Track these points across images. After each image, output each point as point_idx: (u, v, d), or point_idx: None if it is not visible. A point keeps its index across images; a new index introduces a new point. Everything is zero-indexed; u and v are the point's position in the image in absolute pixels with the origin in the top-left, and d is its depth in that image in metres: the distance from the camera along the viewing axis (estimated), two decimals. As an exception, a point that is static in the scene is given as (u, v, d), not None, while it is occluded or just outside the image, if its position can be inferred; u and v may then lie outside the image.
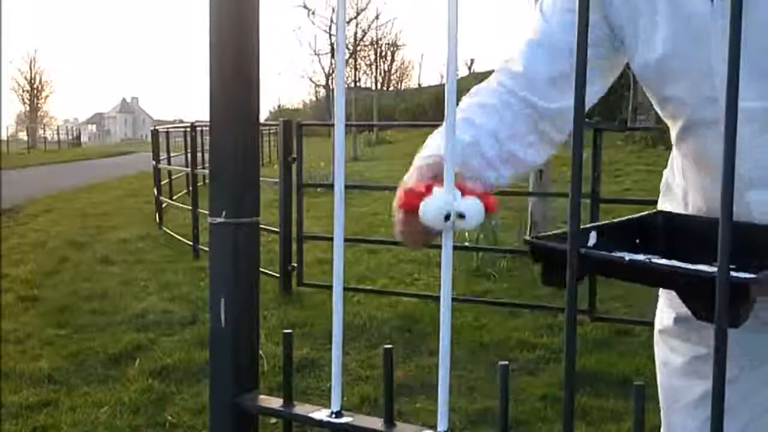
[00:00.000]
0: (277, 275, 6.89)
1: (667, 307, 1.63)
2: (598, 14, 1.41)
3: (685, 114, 1.42)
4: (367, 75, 40.31)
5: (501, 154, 1.39)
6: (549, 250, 1.27)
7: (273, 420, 2.43)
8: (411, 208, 0.90)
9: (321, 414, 0.86)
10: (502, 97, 1.43)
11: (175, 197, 12.48)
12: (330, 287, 0.93)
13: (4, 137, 51.62)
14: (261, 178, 1.07)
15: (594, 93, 1.48)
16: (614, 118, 20.07)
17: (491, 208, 0.94)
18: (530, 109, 1.42)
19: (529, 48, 1.46)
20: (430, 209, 0.85)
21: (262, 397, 0.95)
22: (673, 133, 1.51)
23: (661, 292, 1.63)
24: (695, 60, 1.33)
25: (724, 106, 0.57)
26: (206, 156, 4.58)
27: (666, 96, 1.44)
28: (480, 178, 1.36)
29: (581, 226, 1.37)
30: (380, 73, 41.78)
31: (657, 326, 1.69)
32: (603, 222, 1.43)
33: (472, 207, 0.84)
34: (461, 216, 0.83)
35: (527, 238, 1.32)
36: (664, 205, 1.60)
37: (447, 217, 0.82)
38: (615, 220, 1.44)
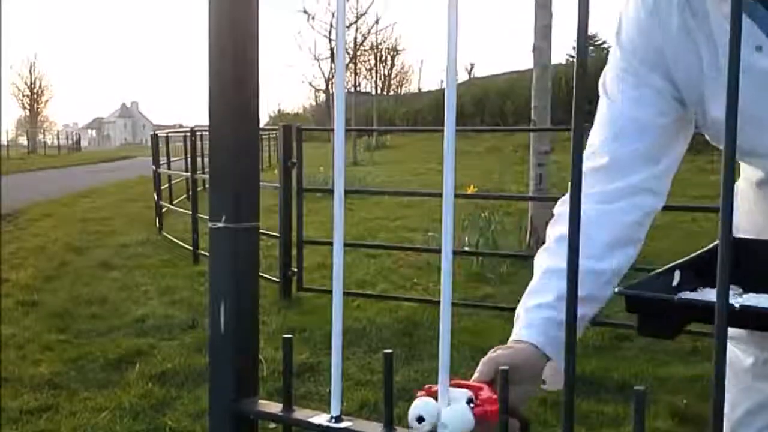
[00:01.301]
0: (277, 280, 6.89)
1: None
2: (663, 80, 1.41)
3: (764, 166, 1.45)
4: (367, 80, 40.35)
5: (613, 272, 1.39)
6: (644, 300, 1.24)
7: (272, 425, 2.43)
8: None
9: (321, 419, 0.86)
10: (597, 212, 1.39)
11: (175, 202, 12.49)
12: (330, 292, 0.93)
13: (4, 142, 51.65)
14: (261, 183, 1.07)
15: (681, 152, 1.48)
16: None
17: (490, 417, 0.94)
18: (626, 199, 1.40)
19: (606, 137, 1.43)
20: (411, 408, 0.85)
21: (261, 401, 0.95)
22: (753, 176, 1.51)
23: None
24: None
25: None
26: (206, 161, 4.59)
27: (743, 150, 1.44)
28: (584, 321, 1.39)
29: (664, 267, 1.35)
30: (380, 78, 41.82)
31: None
32: (681, 260, 1.39)
33: (457, 416, 0.82)
34: (444, 425, 0.81)
35: (618, 290, 1.31)
36: None
37: (419, 420, 0.82)
38: (691, 256, 1.41)
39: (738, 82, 0.58)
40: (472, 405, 0.90)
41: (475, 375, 1.19)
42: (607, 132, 1.43)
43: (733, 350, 1.65)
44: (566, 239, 1.33)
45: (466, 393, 0.90)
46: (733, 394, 1.65)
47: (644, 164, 1.39)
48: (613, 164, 1.40)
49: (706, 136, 1.50)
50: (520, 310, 1.39)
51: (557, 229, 1.43)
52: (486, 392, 0.97)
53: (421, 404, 0.83)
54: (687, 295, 1.31)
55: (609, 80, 1.45)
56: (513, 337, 1.33)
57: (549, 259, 1.41)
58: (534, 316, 1.35)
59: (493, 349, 1.26)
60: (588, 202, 1.38)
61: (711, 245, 1.45)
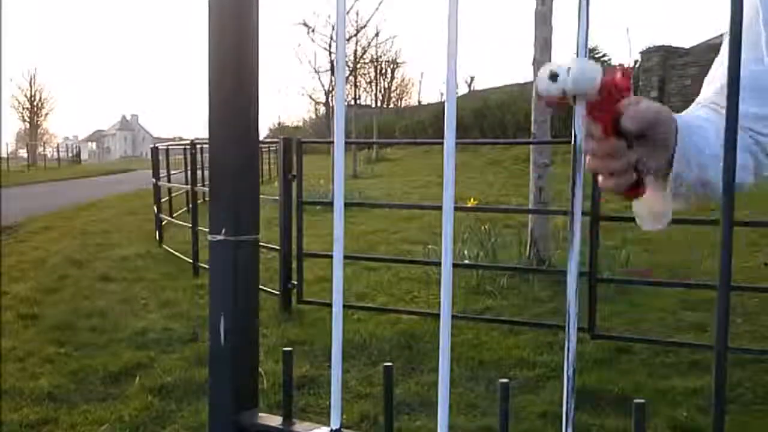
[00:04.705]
0: (277, 293, 6.88)
1: None
2: None
3: None
4: (367, 92, 40.37)
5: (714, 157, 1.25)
6: None
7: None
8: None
9: (321, 431, 0.86)
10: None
11: (175, 215, 12.48)
12: (330, 305, 0.93)
13: (4, 155, 51.68)
14: (261, 196, 1.07)
15: None
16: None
17: (616, 83, 0.91)
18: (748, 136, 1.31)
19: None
20: (542, 70, 0.82)
21: (261, 414, 0.95)
22: None
23: None
24: None
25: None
26: (206, 173, 4.61)
27: None
28: (690, 161, 1.22)
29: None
30: (380, 91, 41.83)
31: None
32: None
33: (579, 64, 0.78)
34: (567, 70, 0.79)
35: None
36: None
37: (553, 77, 0.80)
38: None
39: (738, 81, 0.58)
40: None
41: None
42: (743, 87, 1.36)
43: None
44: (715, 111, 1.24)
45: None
46: None
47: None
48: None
49: None
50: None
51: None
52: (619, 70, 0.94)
53: (553, 64, 0.82)
54: None
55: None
56: None
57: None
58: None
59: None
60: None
61: None
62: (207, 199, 1.15)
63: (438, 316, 0.77)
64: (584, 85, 0.79)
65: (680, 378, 4.94)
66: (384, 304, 7.08)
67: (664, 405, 4.46)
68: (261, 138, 1.02)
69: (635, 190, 1.13)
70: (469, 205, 8.39)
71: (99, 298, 7.56)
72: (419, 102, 51.49)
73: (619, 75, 0.92)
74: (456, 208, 1.47)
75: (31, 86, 78.55)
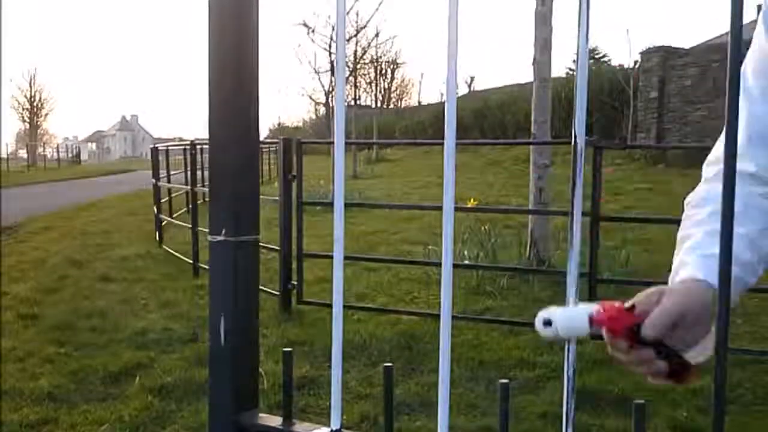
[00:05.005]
0: (277, 293, 6.88)
1: None
2: None
3: None
4: (367, 93, 40.33)
5: (759, 256, 1.22)
6: None
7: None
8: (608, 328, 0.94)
9: (321, 432, 0.86)
10: (742, 198, 1.18)
11: (175, 215, 12.48)
12: (330, 305, 0.93)
13: (4, 155, 51.62)
14: (261, 196, 1.07)
15: None
16: (614, 136, 20.12)
17: (610, 323, 0.94)
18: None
19: (753, 143, 1.25)
20: (537, 317, 0.89)
21: (261, 415, 0.95)
22: None
23: None
24: None
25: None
26: (206, 174, 4.61)
27: None
28: (741, 284, 1.19)
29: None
30: (380, 91, 41.79)
31: None
32: None
33: (569, 316, 0.86)
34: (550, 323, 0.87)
35: None
36: None
37: (546, 324, 0.87)
38: None
39: (739, 82, 0.58)
40: (594, 312, 0.91)
41: (641, 298, 1.05)
42: (755, 140, 1.25)
43: None
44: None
45: (593, 305, 0.91)
46: None
47: None
48: (760, 173, 1.25)
49: None
50: (679, 257, 1.24)
51: (707, 209, 1.29)
52: (615, 305, 0.96)
53: (548, 310, 0.88)
54: None
55: (750, 72, 1.26)
56: (679, 278, 1.16)
57: (706, 225, 1.27)
58: (698, 258, 1.18)
59: (653, 288, 1.07)
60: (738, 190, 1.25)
61: None
62: (207, 199, 1.15)
63: (438, 316, 0.77)
64: (573, 333, 0.87)
65: (680, 378, 4.94)
66: (384, 305, 7.08)
67: (664, 405, 4.46)
68: (261, 138, 1.02)
69: (681, 375, 1.06)
70: (469, 205, 8.39)
71: (99, 299, 7.56)
72: (419, 102, 51.52)
73: (614, 313, 0.94)
74: (456, 209, 1.47)
75: (31, 86, 78.42)
